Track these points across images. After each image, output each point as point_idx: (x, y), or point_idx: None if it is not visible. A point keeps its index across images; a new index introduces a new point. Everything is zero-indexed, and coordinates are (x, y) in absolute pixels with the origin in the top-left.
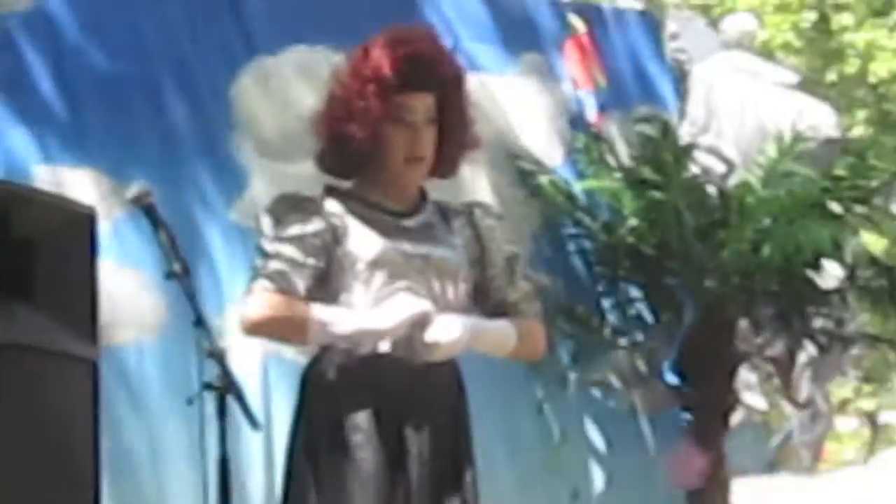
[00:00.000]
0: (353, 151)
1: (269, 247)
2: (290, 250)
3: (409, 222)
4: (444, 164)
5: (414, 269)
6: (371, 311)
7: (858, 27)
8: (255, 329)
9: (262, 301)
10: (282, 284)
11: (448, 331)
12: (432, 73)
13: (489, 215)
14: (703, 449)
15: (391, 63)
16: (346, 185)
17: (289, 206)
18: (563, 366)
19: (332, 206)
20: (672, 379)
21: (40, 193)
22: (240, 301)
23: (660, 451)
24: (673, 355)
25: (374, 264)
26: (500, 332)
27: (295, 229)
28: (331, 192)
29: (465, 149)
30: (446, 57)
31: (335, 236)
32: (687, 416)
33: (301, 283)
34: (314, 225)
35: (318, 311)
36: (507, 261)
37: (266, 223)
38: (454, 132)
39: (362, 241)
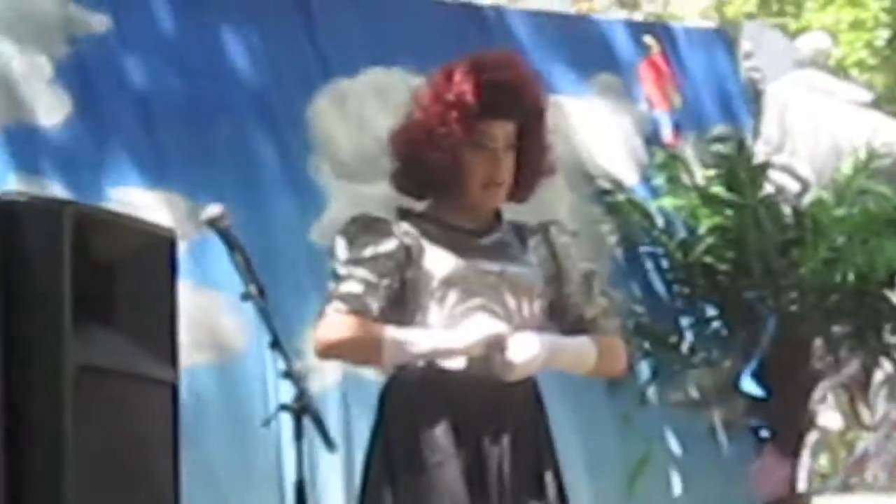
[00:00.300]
0: (430, 174)
1: (342, 269)
2: (362, 272)
3: (484, 241)
4: (521, 190)
5: (488, 286)
6: (447, 330)
7: None
8: (329, 351)
9: (335, 323)
10: (355, 306)
11: (526, 350)
12: (515, 102)
13: (564, 233)
14: (780, 467)
15: (474, 89)
16: (420, 206)
17: (361, 228)
18: (643, 383)
19: (405, 227)
20: (753, 389)
21: (119, 216)
22: (314, 324)
23: (739, 468)
24: (752, 367)
25: (448, 282)
26: (580, 349)
27: (368, 251)
28: (404, 213)
29: (543, 175)
30: (530, 85)
31: (408, 256)
32: (765, 430)
33: (375, 304)
34: (387, 246)
35: (393, 332)
36: (584, 277)
37: (339, 245)
38: (533, 159)
39: (436, 260)
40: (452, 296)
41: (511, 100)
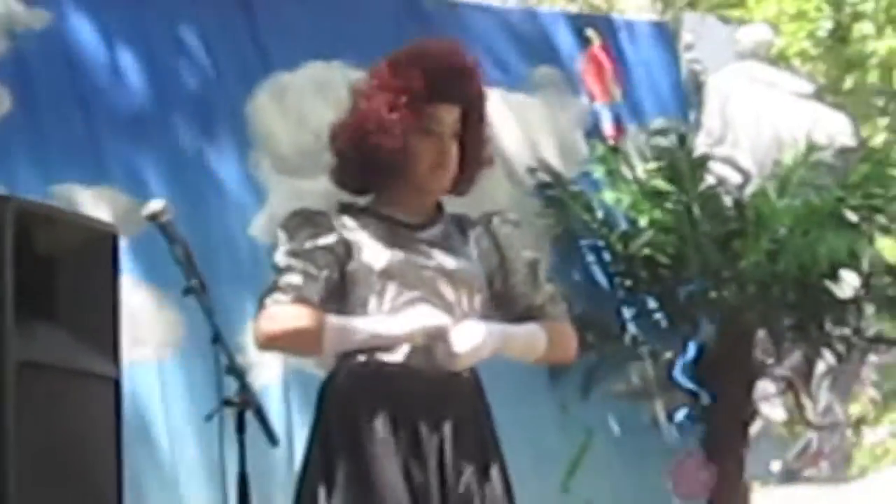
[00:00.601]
0: (380, 163)
1: (283, 261)
2: (302, 264)
3: (424, 234)
4: (463, 180)
5: (427, 279)
6: (387, 318)
7: (879, 35)
8: (270, 342)
9: (277, 313)
10: (297, 295)
11: (469, 338)
12: (461, 86)
13: (507, 223)
14: (722, 459)
15: (422, 74)
16: (361, 201)
17: (302, 222)
18: (585, 374)
19: (345, 220)
20: (686, 383)
21: (61, 212)
22: (255, 318)
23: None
24: (687, 360)
25: (387, 274)
26: (530, 336)
27: (308, 243)
28: (345, 207)
29: (483, 165)
30: (473, 71)
31: (347, 250)
32: (698, 425)
33: (315, 295)
34: (326, 239)
35: (334, 320)
36: (529, 266)
37: (280, 238)
38: (474, 148)
39: (374, 253)
40: (391, 289)
41: (457, 84)
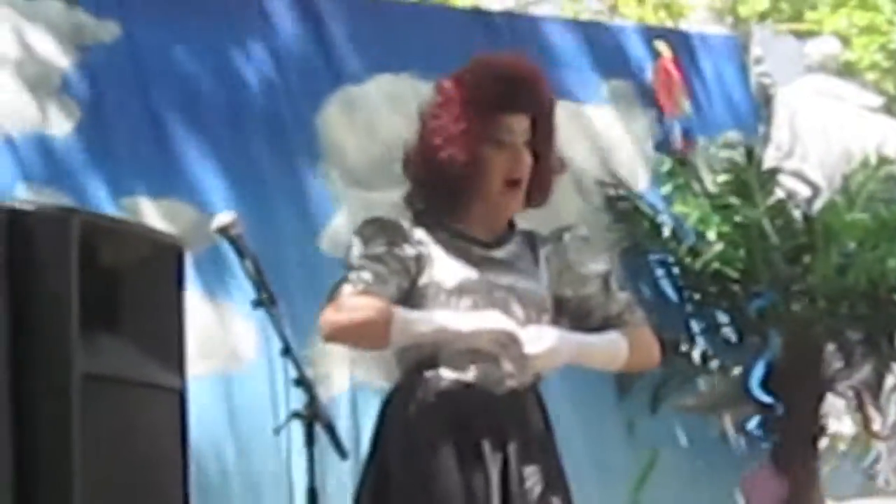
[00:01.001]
0: (450, 178)
1: (356, 261)
2: (375, 266)
3: (496, 253)
4: (538, 191)
5: (499, 299)
6: (456, 314)
7: None
8: (336, 333)
9: (343, 303)
10: (365, 288)
11: (541, 341)
12: (530, 95)
13: (577, 238)
14: (792, 474)
15: (489, 84)
16: (433, 216)
17: (377, 230)
18: (654, 389)
19: (419, 233)
20: (761, 395)
21: (126, 224)
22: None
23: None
24: (760, 373)
25: (458, 292)
26: (610, 344)
27: (381, 249)
28: (419, 220)
29: (556, 174)
30: (540, 80)
31: (420, 263)
32: (769, 439)
33: (385, 293)
34: (400, 248)
35: (401, 310)
36: (601, 277)
37: (354, 243)
38: (546, 156)
39: (447, 269)
40: (463, 306)
41: (526, 92)
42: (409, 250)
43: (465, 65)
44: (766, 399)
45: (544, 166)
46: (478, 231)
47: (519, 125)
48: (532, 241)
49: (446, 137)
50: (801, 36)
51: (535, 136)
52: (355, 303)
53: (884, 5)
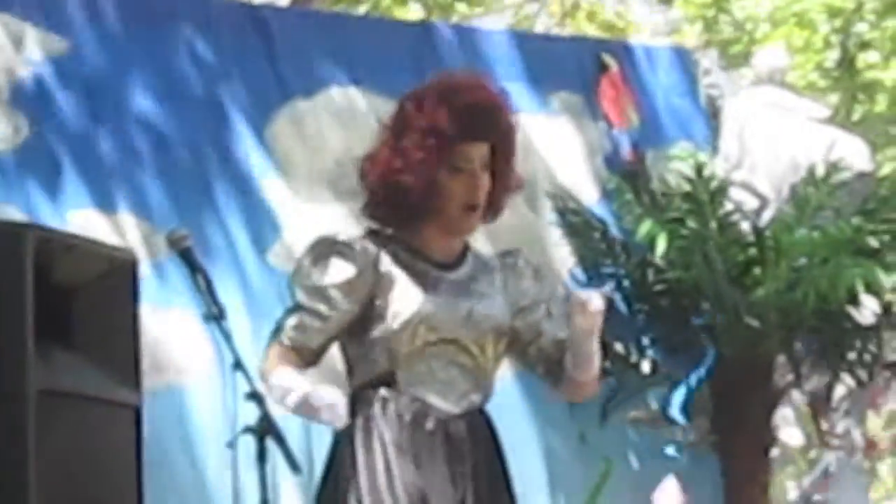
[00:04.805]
0: (408, 202)
1: (300, 296)
2: (316, 304)
3: (453, 275)
4: (491, 209)
5: (455, 322)
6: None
7: (886, 65)
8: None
9: (269, 355)
10: (292, 339)
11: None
12: (489, 123)
13: (529, 262)
14: (745, 486)
15: (449, 114)
16: (389, 230)
17: (325, 251)
18: (603, 401)
19: (372, 249)
20: (678, 416)
21: (81, 239)
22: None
23: (702, 487)
24: (682, 395)
25: (416, 318)
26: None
27: (328, 278)
28: (373, 234)
29: (512, 192)
30: (502, 106)
31: (375, 286)
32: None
33: (315, 340)
34: (349, 271)
35: (278, 377)
36: (554, 301)
37: (303, 267)
38: (504, 179)
39: (404, 291)
40: (420, 331)
41: (485, 121)
42: (359, 271)
43: (427, 83)
44: (682, 421)
45: (500, 186)
46: (434, 250)
47: (478, 152)
48: (486, 263)
49: (406, 163)
50: (739, 57)
51: (494, 160)
52: (272, 357)
53: (819, 24)
